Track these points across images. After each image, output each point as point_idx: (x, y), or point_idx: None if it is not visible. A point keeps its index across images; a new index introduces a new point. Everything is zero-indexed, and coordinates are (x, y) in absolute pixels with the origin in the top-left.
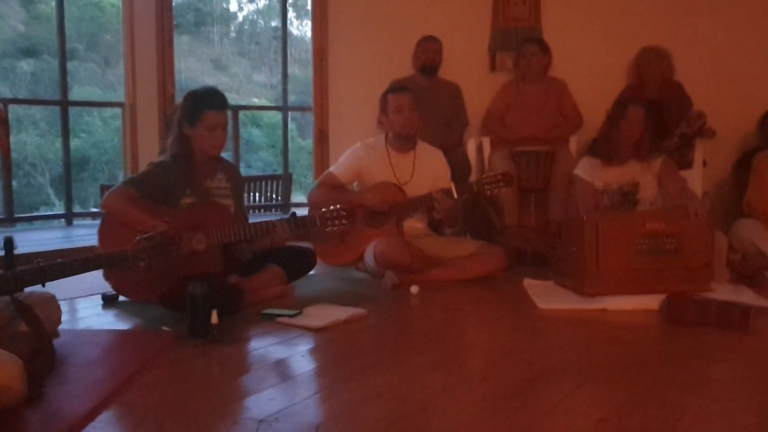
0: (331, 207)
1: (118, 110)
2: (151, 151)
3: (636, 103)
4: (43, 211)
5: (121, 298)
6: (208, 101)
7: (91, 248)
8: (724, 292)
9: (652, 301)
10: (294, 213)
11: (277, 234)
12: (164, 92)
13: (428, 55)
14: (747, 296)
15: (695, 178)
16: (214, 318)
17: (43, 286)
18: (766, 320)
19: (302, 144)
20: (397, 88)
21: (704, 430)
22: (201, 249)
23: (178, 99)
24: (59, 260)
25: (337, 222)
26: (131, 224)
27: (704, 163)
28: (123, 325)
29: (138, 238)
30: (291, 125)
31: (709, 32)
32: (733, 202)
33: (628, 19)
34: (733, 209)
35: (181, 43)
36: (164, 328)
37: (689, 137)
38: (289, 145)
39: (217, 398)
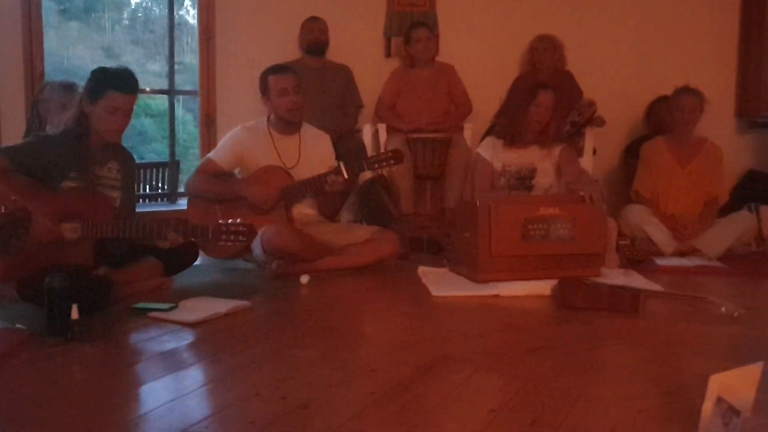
0: (230, 221)
1: None
2: (14, 133)
3: (547, 88)
4: None
5: None
6: (114, 81)
7: None
8: (614, 276)
9: (544, 287)
10: (185, 220)
11: (169, 243)
12: (32, 68)
13: (313, 34)
14: (636, 280)
15: (586, 166)
16: (75, 313)
17: None
18: (655, 304)
19: (197, 133)
20: (279, 68)
21: (597, 417)
22: (73, 238)
23: (49, 76)
24: None
25: (233, 237)
26: None
27: (594, 151)
28: None
29: None
30: (186, 114)
31: (598, 24)
32: (621, 189)
33: (521, 8)
34: (622, 196)
35: (69, 29)
36: (18, 325)
37: (580, 125)
38: (183, 134)
39: (76, 403)
